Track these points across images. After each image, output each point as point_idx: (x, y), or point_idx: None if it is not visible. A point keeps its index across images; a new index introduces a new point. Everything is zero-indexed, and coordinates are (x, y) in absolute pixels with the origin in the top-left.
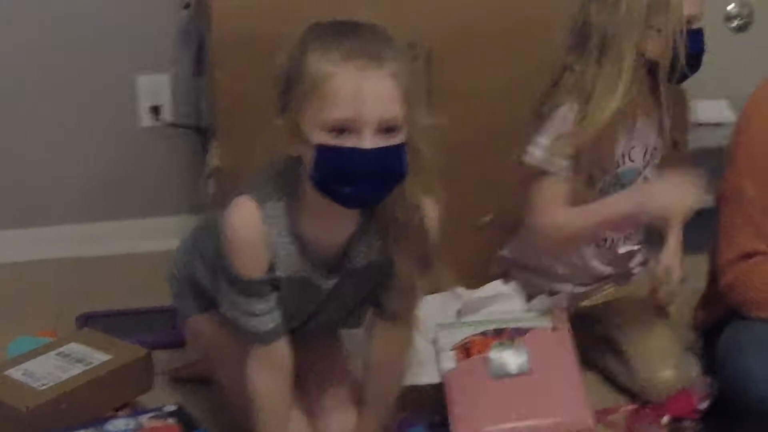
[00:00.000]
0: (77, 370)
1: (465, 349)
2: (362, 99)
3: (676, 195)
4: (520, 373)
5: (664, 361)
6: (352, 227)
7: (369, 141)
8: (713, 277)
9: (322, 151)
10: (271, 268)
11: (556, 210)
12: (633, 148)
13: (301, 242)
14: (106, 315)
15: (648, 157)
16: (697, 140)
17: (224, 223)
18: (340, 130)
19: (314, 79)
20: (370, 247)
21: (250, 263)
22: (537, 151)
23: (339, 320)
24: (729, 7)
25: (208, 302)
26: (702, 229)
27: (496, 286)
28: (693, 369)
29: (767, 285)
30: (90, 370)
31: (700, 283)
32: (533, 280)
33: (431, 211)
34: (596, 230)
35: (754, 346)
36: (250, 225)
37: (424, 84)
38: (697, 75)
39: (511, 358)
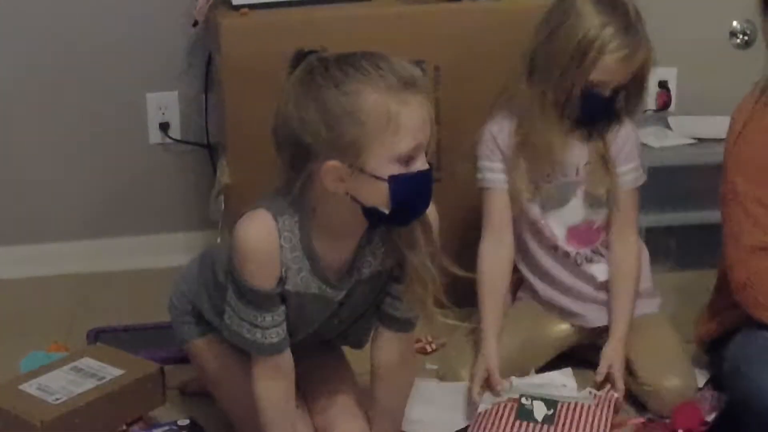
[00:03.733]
0: (90, 384)
1: (501, 403)
2: (424, 125)
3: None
4: (545, 423)
5: (671, 370)
6: (358, 239)
7: (424, 162)
8: (720, 287)
9: (400, 181)
10: (281, 281)
11: (487, 237)
12: (562, 163)
13: (312, 257)
14: (116, 330)
15: (581, 173)
16: (700, 156)
17: (237, 234)
18: (409, 157)
19: (382, 116)
20: (374, 256)
21: (263, 273)
22: (481, 174)
23: (343, 336)
24: (734, 24)
25: (207, 326)
26: (701, 245)
27: (551, 376)
28: (699, 381)
29: None
30: (103, 385)
31: (699, 298)
32: (529, 294)
33: (431, 212)
34: None
35: (761, 358)
36: (265, 235)
37: (432, 100)
38: (700, 91)
39: (540, 407)
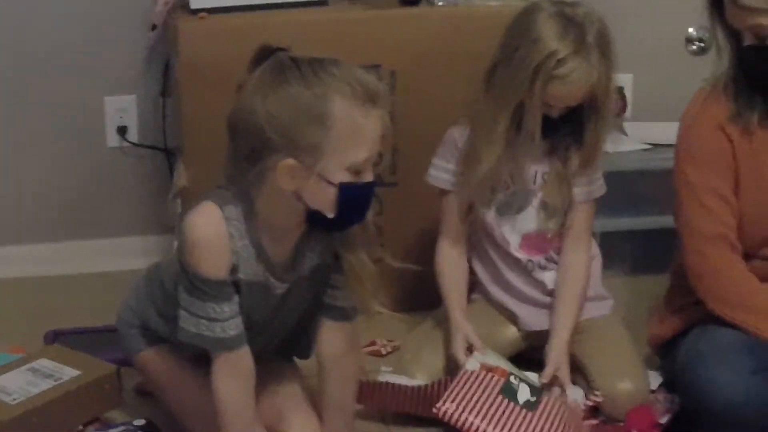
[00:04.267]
0: (47, 385)
1: (489, 368)
2: (379, 139)
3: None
4: (525, 408)
5: (624, 373)
6: (299, 234)
7: (372, 174)
8: (674, 286)
9: (349, 189)
10: (233, 270)
11: (444, 239)
12: (519, 171)
13: (257, 246)
14: (74, 332)
15: (539, 181)
16: (656, 161)
17: (185, 227)
18: (361, 168)
19: (348, 125)
20: (314, 250)
21: (215, 262)
22: (432, 171)
23: (289, 341)
24: (689, 30)
25: (155, 338)
26: (656, 250)
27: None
28: (653, 383)
29: (734, 286)
30: (60, 385)
31: (650, 301)
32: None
33: None
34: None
35: (714, 354)
36: (213, 223)
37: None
38: (655, 97)
39: (525, 391)
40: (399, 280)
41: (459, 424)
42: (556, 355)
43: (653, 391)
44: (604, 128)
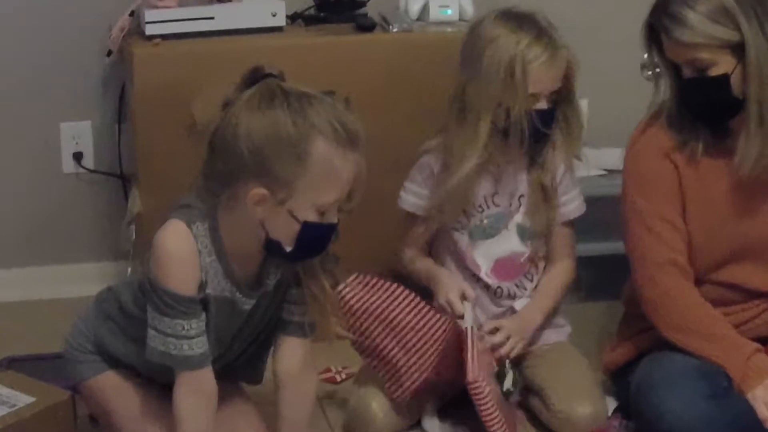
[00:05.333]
0: (1, 411)
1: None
2: (350, 182)
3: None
4: (505, 395)
5: (583, 396)
6: (261, 256)
7: (335, 215)
8: (627, 313)
9: (311, 228)
10: (202, 286)
11: (408, 249)
12: (496, 194)
13: (225, 263)
14: (28, 358)
15: (515, 203)
16: (610, 187)
17: (156, 244)
18: (328, 209)
19: (325, 168)
20: (277, 267)
21: (184, 278)
22: (403, 194)
23: (243, 363)
24: (645, 56)
25: (110, 362)
26: (611, 276)
27: None
28: (608, 408)
29: (686, 312)
30: (14, 412)
31: (608, 328)
32: None
33: None
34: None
35: (668, 380)
36: (183, 239)
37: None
38: (611, 123)
39: (509, 381)
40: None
41: (482, 401)
42: (515, 325)
43: (608, 417)
44: (579, 110)
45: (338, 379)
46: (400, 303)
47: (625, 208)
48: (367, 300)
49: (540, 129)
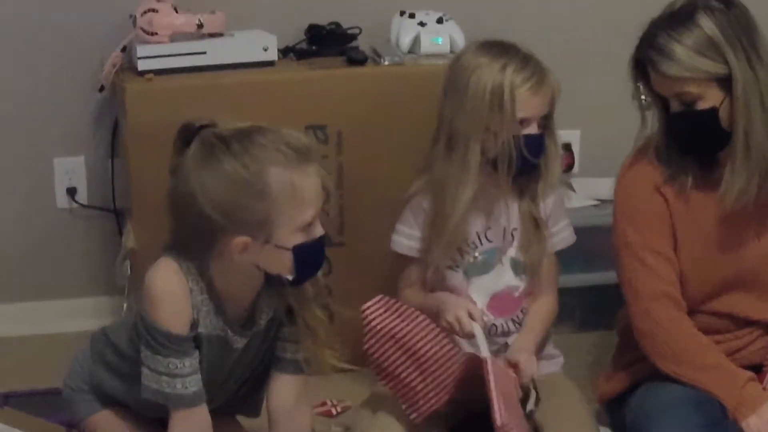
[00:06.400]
0: None
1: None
2: (321, 192)
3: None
4: (528, 416)
5: (577, 428)
6: (257, 289)
7: (320, 227)
8: (621, 343)
9: (303, 250)
10: (194, 324)
11: (407, 288)
12: (489, 229)
13: (216, 301)
14: (25, 394)
15: (508, 238)
16: (603, 217)
17: (147, 283)
18: (310, 224)
19: (287, 190)
20: (270, 305)
21: (176, 316)
22: (395, 237)
23: (240, 397)
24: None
25: (106, 400)
26: (604, 306)
27: None
28: None
29: (680, 343)
30: None
31: (601, 358)
32: None
33: None
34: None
35: (663, 410)
36: (174, 278)
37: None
38: (603, 153)
39: (533, 399)
40: (351, 335)
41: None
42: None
43: None
44: (558, 137)
45: (334, 412)
46: (422, 330)
47: (616, 242)
48: (390, 323)
49: (528, 158)
